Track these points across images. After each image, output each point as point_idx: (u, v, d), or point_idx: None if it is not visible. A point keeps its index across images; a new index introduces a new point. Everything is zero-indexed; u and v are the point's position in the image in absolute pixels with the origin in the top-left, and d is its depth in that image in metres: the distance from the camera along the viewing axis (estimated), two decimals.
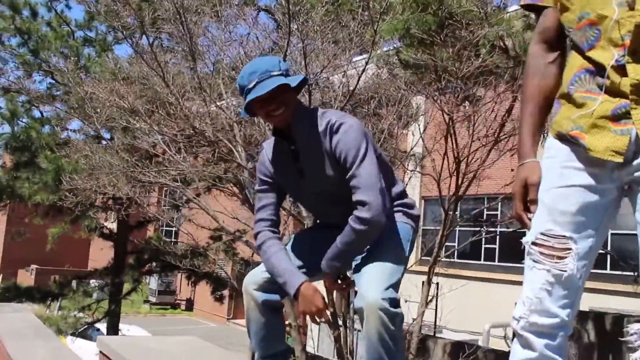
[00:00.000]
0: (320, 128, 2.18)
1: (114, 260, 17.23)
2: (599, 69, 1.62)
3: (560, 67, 1.82)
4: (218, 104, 8.80)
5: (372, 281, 2.06)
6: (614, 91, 1.58)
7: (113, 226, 17.83)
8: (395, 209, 2.36)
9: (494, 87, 7.29)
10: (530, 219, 1.74)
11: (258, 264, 2.44)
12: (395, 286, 2.08)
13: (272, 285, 2.27)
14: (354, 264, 2.29)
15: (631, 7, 1.53)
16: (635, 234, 1.58)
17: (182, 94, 8.73)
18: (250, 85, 2.13)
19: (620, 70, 1.56)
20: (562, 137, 1.73)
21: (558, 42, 1.83)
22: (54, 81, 16.26)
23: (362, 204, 2.10)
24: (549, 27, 1.83)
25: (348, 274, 2.45)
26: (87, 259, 35.18)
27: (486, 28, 6.23)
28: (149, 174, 9.40)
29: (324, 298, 2.22)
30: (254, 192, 2.75)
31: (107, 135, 13.94)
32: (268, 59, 2.25)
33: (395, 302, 2.02)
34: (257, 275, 2.30)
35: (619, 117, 1.57)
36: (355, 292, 2.16)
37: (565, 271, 1.64)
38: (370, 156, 2.15)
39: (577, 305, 1.71)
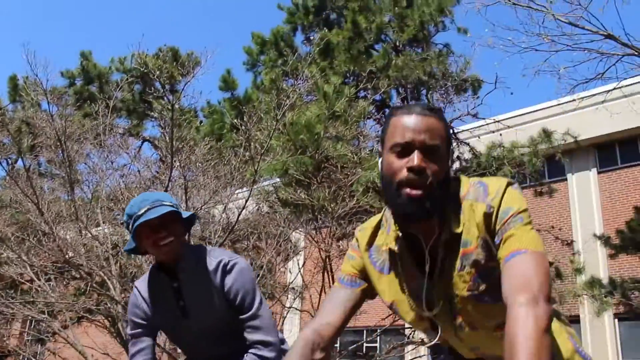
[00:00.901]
0: (210, 266, 2.21)
1: None
2: None
3: None
4: (94, 233, 8.56)
5: None
6: None
7: None
8: None
9: None
10: None
11: None
12: None
13: None
14: None
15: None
16: None
17: (56, 222, 8.44)
18: (141, 212, 2.13)
19: None
20: None
21: (329, 344, 1.71)
22: None
23: (265, 344, 2.18)
24: (331, 326, 1.71)
25: None
26: None
27: (360, 171, 6.67)
28: (13, 305, 8.77)
29: None
30: (127, 336, 2.60)
31: None
32: (159, 192, 2.29)
33: None
34: None
35: None
36: None
37: None
38: (263, 297, 2.28)
39: None
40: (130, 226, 2.18)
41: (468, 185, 1.63)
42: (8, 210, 10.71)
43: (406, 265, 1.67)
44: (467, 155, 10.88)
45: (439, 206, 1.57)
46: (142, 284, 2.34)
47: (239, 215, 6.56)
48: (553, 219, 14.68)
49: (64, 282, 9.73)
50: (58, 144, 8.55)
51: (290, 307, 8.07)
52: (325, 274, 7.15)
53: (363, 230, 1.81)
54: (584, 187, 15.07)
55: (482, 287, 1.57)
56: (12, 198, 10.33)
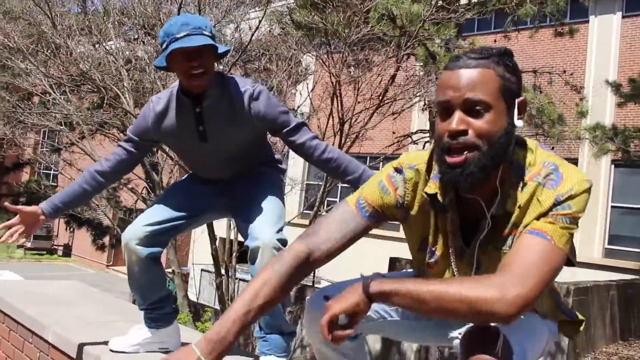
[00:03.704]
0: (235, 95, 2.26)
1: None
2: None
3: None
4: (107, 47, 8.58)
5: (265, 224, 2.25)
6: None
7: None
8: (271, 164, 2.55)
9: (380, 54, 7.66)
10: None
11: (141, 212, 2.48)
12: (283, 229, 2.30)
13: (153, 238, 2.33)
14: (238, 212, 2.43)
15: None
16: None
17: (69, 35, 8.42)
18: (179, 35, 2.09)
19: None
20: None
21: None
22: None
23: (317, 137, 2.36)
24: (325, 253, 1.62)
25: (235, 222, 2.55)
26: None
27: None
28: (32, 115, 9.03)
29: None
30: (125, 137, 2.65)
31: None
32: (201, 17, 2.26)
33: (285, 243, 2.23)
34: (137, 229, 2.33)
35: None
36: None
37: None
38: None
39: None
40: (165, 44, 2.16)
41: (540, 165, 1.46)
42: (20, 22, 10.61)
43: (451, 222, 1.56)
44: None
45: (489, 169, 1.40)
46: (160, 102, 2.33)
47: (252, 35, 6.53)
48: (568, 62, 14.49)
49: (79, 96, 9.91)
50: None
51: None
52: (335, 99, 7.27)
53: (419, 166, 1.62)
54: (605, 32, 14.66)
55: None
56: (23, 9, 10.19)
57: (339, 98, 7.27)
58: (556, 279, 1.73)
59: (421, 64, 8.30)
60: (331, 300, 1.41)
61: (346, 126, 7.53)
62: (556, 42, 13.84)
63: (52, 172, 22.18)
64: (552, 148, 10.55)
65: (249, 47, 7.23)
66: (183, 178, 2.67)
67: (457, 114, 1.39)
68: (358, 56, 7.31)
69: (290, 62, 7.61)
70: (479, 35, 11.89)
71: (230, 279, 8.88)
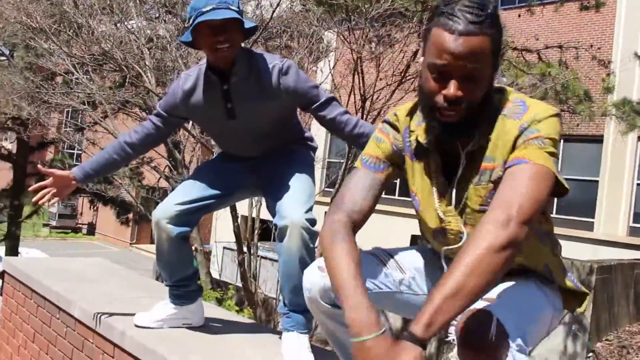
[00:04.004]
0: (264, 71, 2.26)
1: (13, 182, 16.67)
2: None
3: None
4: (128, 26, 8.60)
5: (294, 203, 2.25)
6: None
7: (11, 147, 17.16)
8: (301, 141, 2.55)
9: (401, 30, 7.59)
10: None
11: (164, 190, 2.51)
12: (312, 209, 2.30)
13: (184, 217, 2.37)
14: (268, 190, 2.43)
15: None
16: None
17: (91, 15, 8.45)
18: (205, 9, 2.09)
19: None
20: None
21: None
22: None
23: (347, 112, 2.40)
24: (361, 214, 1.67)
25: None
26: None
27: None
28: (55, 95, 9.13)
29: None
30: (154, 112, 2.69)
31: (6, 52, 13.26)
32: None
33: (314, 223, 2.25)
34: (168, 208, 2.35)
35: None
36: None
37: None
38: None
39: None
40: (191, 19, 2.16)
41: (509, 101, 1.54)
42: (42, 2, 10.68)
43: (433, 162, 1.65)
44: None
45: (474, 126, 1.51)
46: (189, 79, 2.35)
47: (273, 12, 6.49)
48: (595, 36, 14.18)
49: (102, 75, 9.98)
50: None
51: None
52: (356, 75, 7.23)
53: (399, 112, 1.73)
54: (633, 4, 14.28)
55: None
56: None
57: (360, 75, 7.23)
58: (580, 258, 1.72)
59: None
60: None
61: (368, 103, 7.50)
62: (582, 16, 13.53)
63: (75, 151, 22.48)
64: (578, 125, 10.40)
65: (270, 24, 7.19)
66: (214, 157, 2.69)
67: (455, 81, 1.45)
68: (379, 32, 7.25)
69: (312, 39, 7.58)
70: (503, 10, 11.68)
71: (252, 257, 8.96)
